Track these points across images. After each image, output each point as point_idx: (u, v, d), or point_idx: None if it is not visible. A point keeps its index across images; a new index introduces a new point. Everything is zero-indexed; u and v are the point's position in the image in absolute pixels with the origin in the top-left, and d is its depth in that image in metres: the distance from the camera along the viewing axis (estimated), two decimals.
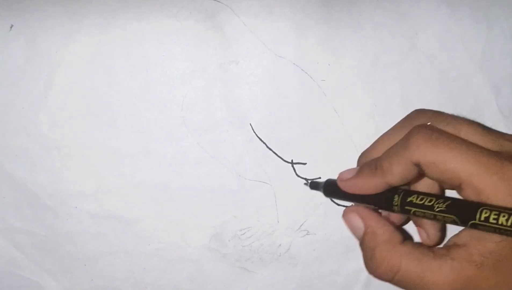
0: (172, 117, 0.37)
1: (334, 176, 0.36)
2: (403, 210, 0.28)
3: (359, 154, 0.35)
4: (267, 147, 0.37)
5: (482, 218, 0.24)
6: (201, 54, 0.37)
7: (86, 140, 0.37)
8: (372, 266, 0.29)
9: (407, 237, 0.30)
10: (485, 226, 0.24)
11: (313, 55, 0.37)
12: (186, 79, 0.37)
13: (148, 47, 0.36)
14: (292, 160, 0.38)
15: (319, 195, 0.37)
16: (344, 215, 0.31)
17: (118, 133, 0.37)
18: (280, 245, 0.38)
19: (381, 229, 0.29)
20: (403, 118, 0.32)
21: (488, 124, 0.37)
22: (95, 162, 0.37)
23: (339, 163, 0.37)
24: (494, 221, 0.24)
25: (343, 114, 0.37)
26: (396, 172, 0.28)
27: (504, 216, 0.23)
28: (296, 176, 0.38)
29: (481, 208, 0.24)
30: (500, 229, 0.24)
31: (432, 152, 0.26)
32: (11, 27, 0.36)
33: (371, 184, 0.29)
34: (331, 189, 0.34)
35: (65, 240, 0.38)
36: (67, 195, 0.37)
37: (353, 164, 0.37)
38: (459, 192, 0.26)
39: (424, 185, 0.31)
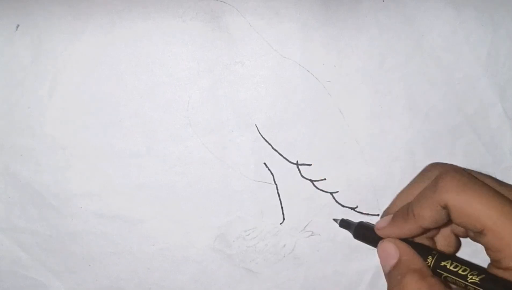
0: (177, 118, 0.37)
1: (339, 177, 0.37)
2: (434, 272, 0.29)
3: (364, 155, 0.35)
4: (272, 148, 0.37)
5: None
6: (207, 54, 0.36)
7: (91, 140, 0.37)
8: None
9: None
10: None
11: (318, 56, 0.37)
12: (191, 79, 0.37)
13: (153, 48, 0.36)
14: (297, 161, 0.38)
15: (324, 196, 0.37)
16: (380, 244, 0.32)
17: (123, 133, 0.37)
18: (284, 245, 0.38)
19: (414, 259, 0.30)
20: (418, 174, 0.33)
21: (493, 126, 0.37)
22: (100, 162, 0.37)
23: (344, 164, 0.37)
24: None
25: (348, 115, 0.37)
26: (427, 216, 0.29)
27: None
28: (301, 177, 0.38)
29: None
30: None
31: (459, 195, 0.27)
32: (17, 27, 0.36)
33: (406, 229, 0.31)
34: (362, 233, 0.35)
35: (70, 240, 0.38)
36: (72, 195, 0.37)
37: (358, 166, 0.37)
38: (478, 238, 0.27)
39: (446, 232, 0.32)
